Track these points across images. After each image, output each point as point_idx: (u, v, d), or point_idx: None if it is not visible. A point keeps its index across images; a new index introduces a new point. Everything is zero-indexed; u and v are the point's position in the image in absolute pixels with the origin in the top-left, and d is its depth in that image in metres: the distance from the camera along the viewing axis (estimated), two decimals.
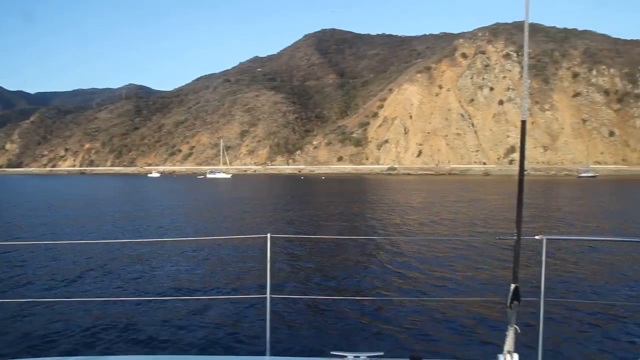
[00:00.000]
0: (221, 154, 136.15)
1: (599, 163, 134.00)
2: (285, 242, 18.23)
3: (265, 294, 4.26)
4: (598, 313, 9.80)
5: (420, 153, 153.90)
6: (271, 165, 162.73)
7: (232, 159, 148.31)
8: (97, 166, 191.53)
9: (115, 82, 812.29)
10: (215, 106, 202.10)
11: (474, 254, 16.16)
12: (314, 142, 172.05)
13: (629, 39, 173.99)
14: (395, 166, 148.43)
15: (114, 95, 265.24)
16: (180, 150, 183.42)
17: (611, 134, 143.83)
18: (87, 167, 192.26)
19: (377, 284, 12.56)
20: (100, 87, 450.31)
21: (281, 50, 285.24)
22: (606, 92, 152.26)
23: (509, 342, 2.73)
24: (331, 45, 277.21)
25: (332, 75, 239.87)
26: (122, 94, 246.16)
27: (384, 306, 10.39)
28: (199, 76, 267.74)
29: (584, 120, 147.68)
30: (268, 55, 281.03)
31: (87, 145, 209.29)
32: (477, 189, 65.02)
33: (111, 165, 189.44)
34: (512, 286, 2.75)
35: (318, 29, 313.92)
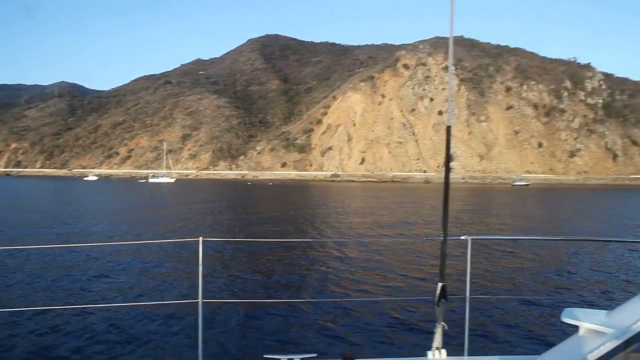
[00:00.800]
0: (164, 157, 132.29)
1: (529, 172, 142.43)
2: (218, 246, 18.04)
3: (197, 298, 4.16)
4: (519, 307, 10.36)
5: (363, 160, 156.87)
6: (214, 170, 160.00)
7: (173, 163, 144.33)
8: (25, 167, 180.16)
9: (45, 78, 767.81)
10: (156, 108, 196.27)
11: (403, 255, 16.64)
12: (258, 148, 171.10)
13: (554, 57, 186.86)
14: (339, 173, 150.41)
15: (44, 92, 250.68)
16: (117, 153, 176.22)
17: (540, 145, 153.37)
18: (13, 168, 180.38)
19: (310, 286, 12.65)
20: (27, 82, 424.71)
21: (224, 54, 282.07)
22: (535, 106, 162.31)
23: (437, 338, 2.77)
24: (275, 51, 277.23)
25: (275, 81, 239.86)
26: (55, 91, 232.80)
27: (317, 308, 10.47)
28: (137, 77, 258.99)
29: (516, 132, 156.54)
30: (211, 59, 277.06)
31: (13, 145, 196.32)
32: (415, 195, 67.93)
33: (41, 167, 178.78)
34: (439, 285, 2.83)
35: (262, 34, 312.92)
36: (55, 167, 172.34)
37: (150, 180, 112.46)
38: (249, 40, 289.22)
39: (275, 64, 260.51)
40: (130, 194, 65.78)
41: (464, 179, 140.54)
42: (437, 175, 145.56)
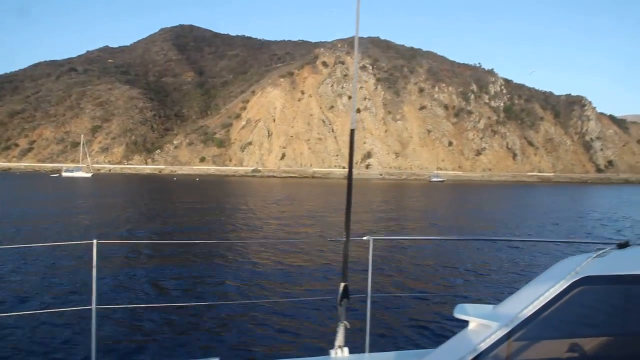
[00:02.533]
0: (81, 150, 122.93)
1: (440, 169, 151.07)
2: (114, 249, 16.98)
3: (91, 305, 4.01)
4: (417, 304, 10.78)
5: (283, 156, 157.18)
6: (128, 164, 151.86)
7: (82, 156, 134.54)
8: None
9: None
10: (60, 97, 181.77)
11: (307, 256, 16.62)
12: (175, 142, 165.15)
13: (461, 62, 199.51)
14: (259, 168, 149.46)
15: None
16: (17, 145, 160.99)
17: (450, 144, 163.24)
18: None
19: (211, 289, 12.39)
20: None
21: (135, 42, 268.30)
22: (446, 107, 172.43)
23: (340, 337, 2.83)
24: (189, 42, 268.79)
25: (190, 73, 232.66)
26: None
27: (218, 311, 10.27)
28: (36, 62, 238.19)
29: (429, 131, 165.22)
30: (120, 46, 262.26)
31: None
32: (332, 192, 67.86)
33: None
34: (342, 285, 2.88)
35: (175, 23, 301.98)
36: None
37: (64, 174, 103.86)
38: (161, 30, 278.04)
39: (190, 55, 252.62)
40: (50, 191, 60.95)
41: (381, 175, 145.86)
42: (356, 172, 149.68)
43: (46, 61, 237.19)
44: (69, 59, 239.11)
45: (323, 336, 8.20)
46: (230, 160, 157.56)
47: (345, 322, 2.89)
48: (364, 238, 3.64)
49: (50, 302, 10.41)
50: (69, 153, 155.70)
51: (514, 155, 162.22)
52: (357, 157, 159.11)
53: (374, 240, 3.68)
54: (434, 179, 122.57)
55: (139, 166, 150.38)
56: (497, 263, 16.21)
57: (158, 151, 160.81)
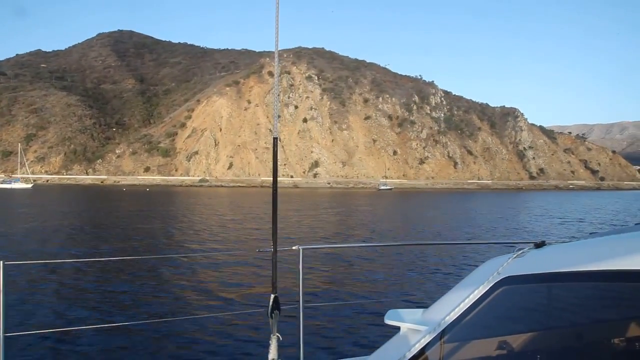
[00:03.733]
0: (19, 159, 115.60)
1: (386, 177, 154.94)
2: (23, 269, 15.49)
3: None
4: (350, 312, 10.85)
5: (231, 165, 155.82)
6: (67, 174, 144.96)
7: (16, 165, 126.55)
8: None
9: None
10: None
11: (237, 269, 16.31)
12: (117, 151, 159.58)
13: (403, 74, 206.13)
14: (207, 178, 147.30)
15: None
16: None
17: (395, 153, 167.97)
18: None
19: (136, 307, 11.65)
20: None
21: (70, 47, 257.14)
22: (390, 117, 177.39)
23: (273, 350, 2.86)
24: (129, 49, 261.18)
25: (131, 80, 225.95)
26: None
27: (143, 330, 9.61)
28: None
29: (374, 140, 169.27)
30: (54, 51, 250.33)
31: None
32: (283, 201, 67.31)
33: None
34: (272, 296, 2.87)
35: (114, 28, 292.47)
36: None
37: (0, 185, 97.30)
38: (99, 35, 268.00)
39: (130, 62, 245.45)
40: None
41: (329, 183, 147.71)
42: (304, 181, 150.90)
43: None
44: None
45: (256, 350, 8.18)
46: (176, 170, 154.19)
47: (277, 334, 2.88)
48: (294, 248, 3.60)
49: None
50: (1, 162, 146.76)
51: (455, 164, 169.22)
52: (304, 166, 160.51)
53: (304, 249, 3.63)
54: (382, 187, 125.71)
55: (79, 176, 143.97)
56: (427, 267, 16.52)
57: (99, 161, 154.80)
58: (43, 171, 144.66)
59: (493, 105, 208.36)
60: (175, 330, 9.62)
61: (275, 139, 2.88)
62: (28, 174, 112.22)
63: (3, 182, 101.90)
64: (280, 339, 2.89)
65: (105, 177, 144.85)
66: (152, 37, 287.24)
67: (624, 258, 1.59)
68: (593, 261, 1.70)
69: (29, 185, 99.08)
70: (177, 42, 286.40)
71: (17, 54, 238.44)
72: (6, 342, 3.61)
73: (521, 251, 2.12)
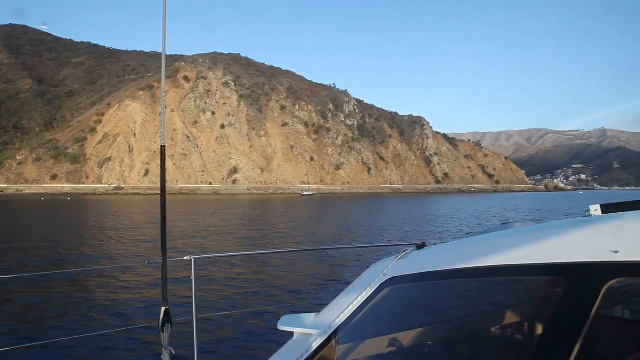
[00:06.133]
0: None
1: (304, 183, 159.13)
2: None
3: None
4: (245, 320, 10.69)
5: (147, 172, 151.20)
6: None
7: None
8: None
9: None
10: None
11: (124, 281, 15.63)
12: (18, 157, 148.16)
13: (319, 82, 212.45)
14: (122, 186, 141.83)
15: None
16: None
17: (312, 159, 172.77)
18: None
19: (12, 329, 10.67)
20: None
21: None
22: (306, 124, 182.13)
23: None
24: (25, 45, 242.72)
25: (28, 80, 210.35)
26: None
27: (24, 354, 8.68)
28: None
29: (292, 147, 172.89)
30: None
31: None
32: (196, 209, 64.84)
33: None
34: (163, 309, 2.79)
35: (3, 22, 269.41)
36: None
37: None
38: None
39: (26, 60, 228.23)
40: None
41: (249, 190, 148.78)
42: (224, 187, 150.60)
43: None
44: None
45: None
46: (87, 178, 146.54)
47: (170, 348, 2.87)
48: (185, 258, 3.51)
49: None
50: None
51: (369, 169, 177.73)
52: (223, 172, 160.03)
53: (195, 259, 3.57)
54: (305, 193, 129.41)
55: None
56: (320, 272, 16.71)
57: None
58: None
59: (402, 114, 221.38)
60: (56, 352, 8.95)
61: (162, 147, 2.92)
62: None
63: None
64: (173, 352, 2.88)
65: (6, 185, 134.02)
66: (50, 34, 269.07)
67: (493, 255, 1.74)
68: (468, 259, 1.83)
69: None
70: (79, 40, 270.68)
71: None
72: None
73: (404, 252, 2.24)
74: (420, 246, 2.32)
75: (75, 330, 10.17)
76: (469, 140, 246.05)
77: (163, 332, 2.85)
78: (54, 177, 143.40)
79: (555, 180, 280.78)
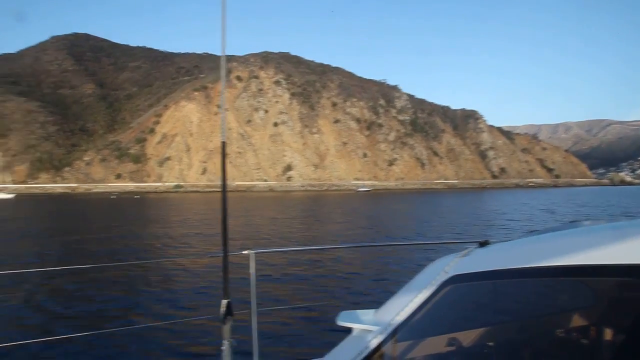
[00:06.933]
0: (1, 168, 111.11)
1: (357, 179, 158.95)
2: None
3: None
4: (304, 314, 10.89)
5: (205, 170, 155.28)
6: (34, 183, 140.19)
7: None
8: None
9: None
10: None
11: (186, 274, 16.22)
12: (86, 158, 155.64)
13: (368, 78, 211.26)
14: (181, 184, 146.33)
15: None
16: None
17: (364, 155, 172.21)
18: None
19: (86, 317, 11.29)
20: None
21: (22, 50, 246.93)
22: (358, 120, 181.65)
23: (226, 356, 2.88)
24: (86, 52, 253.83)
25: (90, 85, 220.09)
26: None
27: (91, 341, 9.36)
28: None
29: (344, 143, 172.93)
30: (4, 54, 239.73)
31: None
32: (253, 205, 66.88)
33: None
34: (224, 302, 2.87)
35: (67, 31, 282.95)
36: None
37: None
38: (53, 38, 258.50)
39: (88, 66, 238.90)
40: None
41: (303, 186, 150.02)
42: (279, 184, 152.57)
43: None
44: None
45: (209, 357, 8.23)
46: (148, 176, 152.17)
47: (230, 339, 2.92)
48: (244, 252, 3.60)
49: None
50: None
51: (422, 165, 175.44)
52: (277, 169, 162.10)
53: (256, 253, 3.63)
54: (360, 189, 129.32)
55: (48, 185, 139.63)
56: (378, 268, 16.75)
57: (67, 168, 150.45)
58: (10, 180, 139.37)
59: (454, 108, 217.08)
60: (122, 340, 9.35)
61: (223, 143, 2.97)
62: (7, 184, 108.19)
63: None
64: (234, 344, 2.94)
65: (76, 185, 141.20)
66: (108, 41, 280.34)
67: (559, 255, 1.68)
68: (533, 258, 1.78)
69: (11, 196, 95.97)
70: (135, 45, 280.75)
71: None
72: None
73: (467, 250, 2.22)
74: (483, 244, 2.29)
75: (138, 321, 10.54)
76: (526, 133, 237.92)
77: (224, 324, 2.90)
78: (118, 177, 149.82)
79: (621, 174, 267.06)
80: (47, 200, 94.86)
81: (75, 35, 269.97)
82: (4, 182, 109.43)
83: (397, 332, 2.10)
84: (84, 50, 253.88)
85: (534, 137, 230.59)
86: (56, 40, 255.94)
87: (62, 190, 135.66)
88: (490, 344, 2.14)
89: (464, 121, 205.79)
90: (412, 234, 29.16)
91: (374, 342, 2.11)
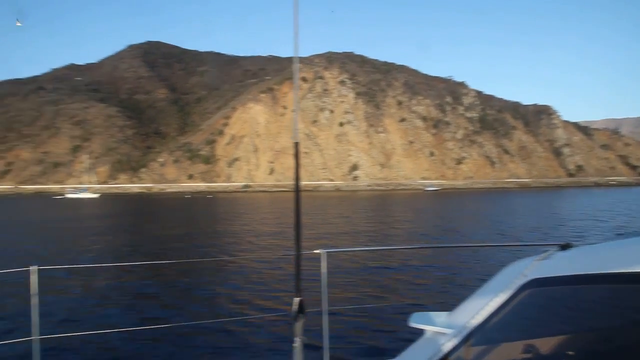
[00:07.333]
0: (86, 170, 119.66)
1: (425, 178, 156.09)
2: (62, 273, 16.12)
3: (31, 336, 3.99)
4: (375, 314, 10.86)
5: (272, 171, 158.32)
6: (114, 183, 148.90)
7: (64, 177, 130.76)
8: None
9: None
10: (33, 117, 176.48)
11: (260, 272, 16.45)
12: (160, 159, 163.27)
13: (434, 75, 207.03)
14: (249, 184, 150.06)
15: None
16: None
17: (431, 154, 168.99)
18: None
19: (161, 311, 11.86)
20: None
21: (102, 60, 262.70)
22: (424, 119, 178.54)
23: (298, 354, 2.86)
24: (158, 59, 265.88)
25: (162, 90, 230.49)
26: None
27: (169, 333, 9.83)
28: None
29: (411, 142, 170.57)
30: (87, 64, 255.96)
31: None
32: (319, 205, 67.34)
33: None
34: (296, 299, 2.85)
35: (141, 40, 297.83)
36: None
37: (68, 196, 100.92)
38: (129, 47, 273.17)
39: (160, 72, 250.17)
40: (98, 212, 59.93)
41: (369, 186, 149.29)
42: (345, 184, 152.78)
43: (9, 80, 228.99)
44: (33, 77, 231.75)
45: (281, 354, 8.28)
46: (218, 177, 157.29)
47: (302, 337, 2.90)
48: (316, 251, 3.61)
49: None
50: (50, 174, 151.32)
51: (492, 163, 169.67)
52: (343, 169, 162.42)
53: (327, 252, 3.62)
54: (428, 188, 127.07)
55: (126, 185, 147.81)
56: (451, 269, 16.54)
57: (144, 169, 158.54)
58: (93, 181, 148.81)
59: (525, 104, 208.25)
60: (198, 334, 9.72)
61: (296, 144, 2.94)
62: (87, 185, 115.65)
63: (72, 192, 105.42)
64: (305, 342, 2.92)
65: (152, 185, 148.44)
66: (179, 47, 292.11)
67: None
68: (619, 263, 1.67)
69: (96, 195, 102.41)
70: (203, 50, 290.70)
71: (53, 68, 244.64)
72: (41, 344, 3.91)
73: (547, 253, 2.12)
74: (565, 247, 2.19)
75: (211, 316, 10.94)
76: (605, 128, 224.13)
77: (296, 321, 2.89)
78: (190, 177, 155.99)
79: None
80: (129, 199, 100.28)
81: (149, 43, 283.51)
82: (90, 183, 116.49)
83: (471, 337, 2.04)
84: (156, 57, 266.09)
85: (615, 132, 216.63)
86: (132, 49, 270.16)
87: (139, 190, 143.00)
88: (571, 353, 2.02)
89: (537, 117, 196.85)
90: (488, 235, 28.60)
91: (448, 346, 2.07)
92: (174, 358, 8.52)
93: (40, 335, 3.89)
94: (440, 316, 2.37)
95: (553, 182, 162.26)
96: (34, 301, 3.98)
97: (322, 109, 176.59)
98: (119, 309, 12.16)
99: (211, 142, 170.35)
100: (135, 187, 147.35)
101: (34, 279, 3.86)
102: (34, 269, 3.84)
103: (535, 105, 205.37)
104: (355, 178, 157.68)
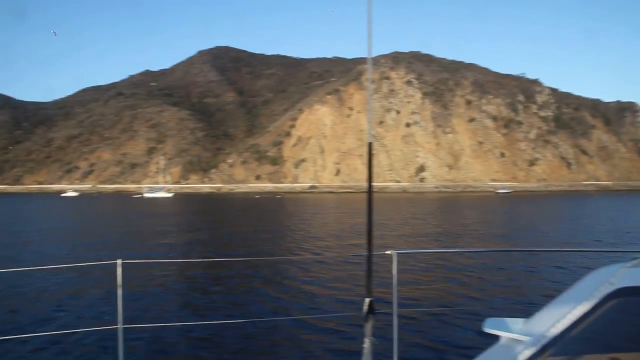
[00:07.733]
0: (161, 171, 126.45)
1: (495, 180, 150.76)
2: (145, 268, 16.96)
3: (117, 324, 4.13)
4: (446, 318, 10.59)
5: (338, 172, 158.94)
6: (185, 183, 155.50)
7: (140, 177, 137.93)
8: None
9: None
10: (113, 121, 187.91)
11: (331, 272, 16.51)
12: (229, 161, 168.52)
13: (505, 72, 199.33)
14: (316, 184, 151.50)
15: None
16: (77, 167, 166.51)
17: (502, 155, 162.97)
18: None
19: (237, 307, 12.20)
20: None
21: (174, 65, 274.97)
22: (495, 118, 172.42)
23: (367, 354, 2.82)
24: (227, 63, 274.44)
25: (231, 93, 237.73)
26: None
27: (243, 329, 10.02)
28: (82, 88, 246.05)
29: (480, 143, 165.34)
30: (160, 70, 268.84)
31: None
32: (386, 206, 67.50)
33: None
34: (367, 300, 2.82)
35: (211, 45, 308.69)
36: (7, 183, 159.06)
37: (146, 195, 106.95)
38: (199, 52, 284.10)
39: (229, 76, 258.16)
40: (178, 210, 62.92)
41: (436, 188, 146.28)
42: (412, 185, 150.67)
43: (92, 87, 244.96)
44: (113, 83, 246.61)
45: (351, 353, 8.23)
46: (285, 177, 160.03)
47: (372, 338, 2.86)
48: (387, 252, 3.61)
49: (76, 323, 10.56)
50: (128, 174, 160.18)
51: (569, 165, 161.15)
52: (410, 170, 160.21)
53: (399, 254, 3.62)
54: (500, 191, 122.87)
55: (197, 185, 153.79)
56: (527, 274, 15.96)
57: (214, 170, 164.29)
58: (167, 181, 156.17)
59: (606, 101, 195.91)
60: (269, 330, 9.88)
61: (370, 144, 2.91)
62: (162, 184, 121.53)
63: (149, 191, 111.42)
64: (376, 342, 2.87)
65: (221, 185, 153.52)
66: (246, 51, 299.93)
67: None
68: None
69: (170, 195, 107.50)
70: (270, 54, 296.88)
71: (130, 75, 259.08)
72: (125, 333, 4.06)
73: (636, 260, 1.96)
74: None
75: (282, 313, 11.04)
76: None
77: (367, 321, 2.89)
78: (257, 178, 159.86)
79: None
80: (200, 199, 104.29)
81: (218, 48, 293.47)
82: (164, 183, 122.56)
83: (550, 346, 1.93)
84: (225, 62, 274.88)
85: None
86: (201, 54, 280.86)
87: (209, 190, 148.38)
88: None
89: (619, 115, 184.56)
90: (569, 239, 27.43)
91: (525, 354, 1.96)
92: (242, 352, 8.81)
93: (124, 324, 4.06)
94: (517, 323, 2.28)
95: (638, 185, 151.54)
96: (119, 292, 4.21)
97: (388, 110, 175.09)
98: (197, 301, 12.72)
99: (278, 144, 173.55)
100: (205, 187, 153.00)
101: (119, 272, 4.09)
102: (119, 262, 4.08)
103: (617, 102, 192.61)
104: (422, 180, 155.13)
